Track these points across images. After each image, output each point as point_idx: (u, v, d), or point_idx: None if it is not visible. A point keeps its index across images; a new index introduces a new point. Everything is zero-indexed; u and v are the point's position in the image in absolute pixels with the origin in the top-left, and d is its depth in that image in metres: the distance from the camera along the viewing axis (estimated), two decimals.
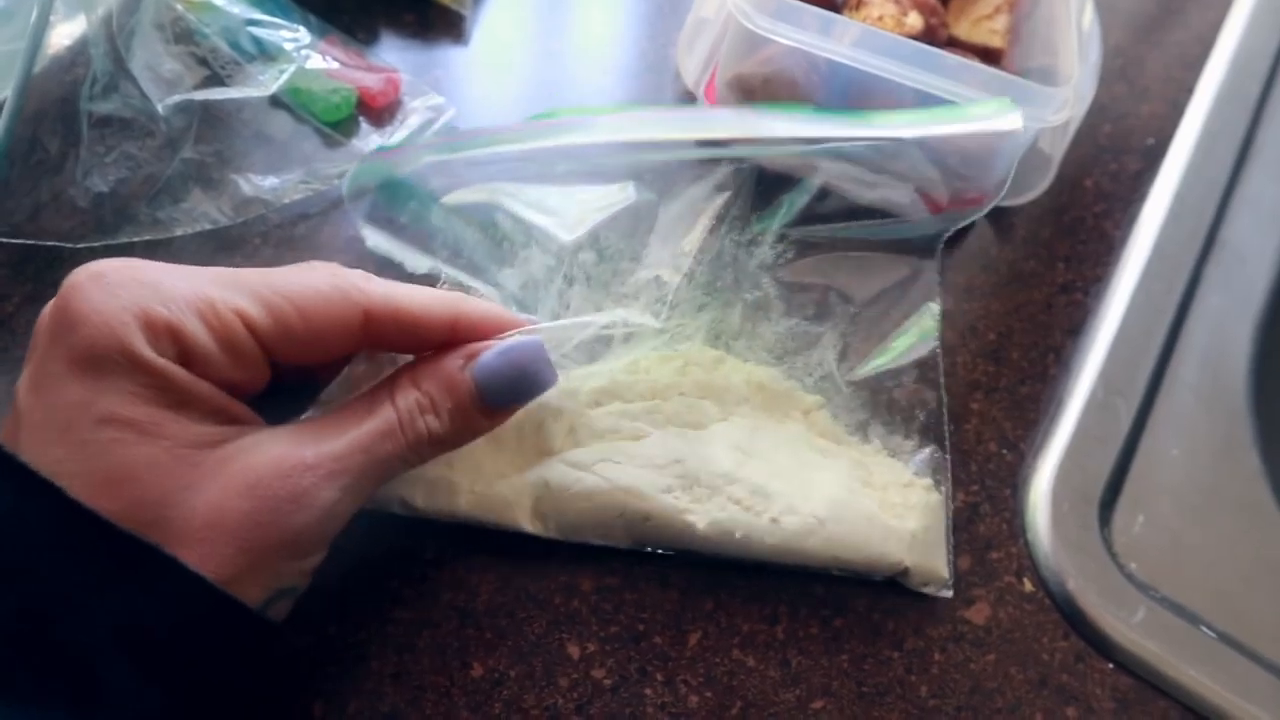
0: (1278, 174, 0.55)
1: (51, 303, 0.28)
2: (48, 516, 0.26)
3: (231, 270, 0.30)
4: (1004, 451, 0.43)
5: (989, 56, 0.50)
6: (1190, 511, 0.42)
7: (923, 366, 0.42)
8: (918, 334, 0.41)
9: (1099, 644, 0.39)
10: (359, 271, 0.32)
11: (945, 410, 0.41)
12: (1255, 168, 0.55)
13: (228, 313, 0.28)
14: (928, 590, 0.38)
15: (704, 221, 0.41)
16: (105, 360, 0.27)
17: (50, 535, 0.26)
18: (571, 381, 0.38)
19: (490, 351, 0.32)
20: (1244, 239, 0.52)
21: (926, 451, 0.40)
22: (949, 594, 0.38)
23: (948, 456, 0.41)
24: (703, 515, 0.37)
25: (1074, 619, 0.39)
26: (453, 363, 0.32)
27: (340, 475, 0.30)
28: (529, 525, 0.37)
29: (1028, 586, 0.40)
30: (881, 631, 0.38)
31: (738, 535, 0.37)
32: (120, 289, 0.27)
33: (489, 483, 0.36)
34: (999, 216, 0.51)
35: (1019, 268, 0.49)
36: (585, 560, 0.38)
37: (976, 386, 0.45)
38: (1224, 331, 0.48)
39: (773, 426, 0.39)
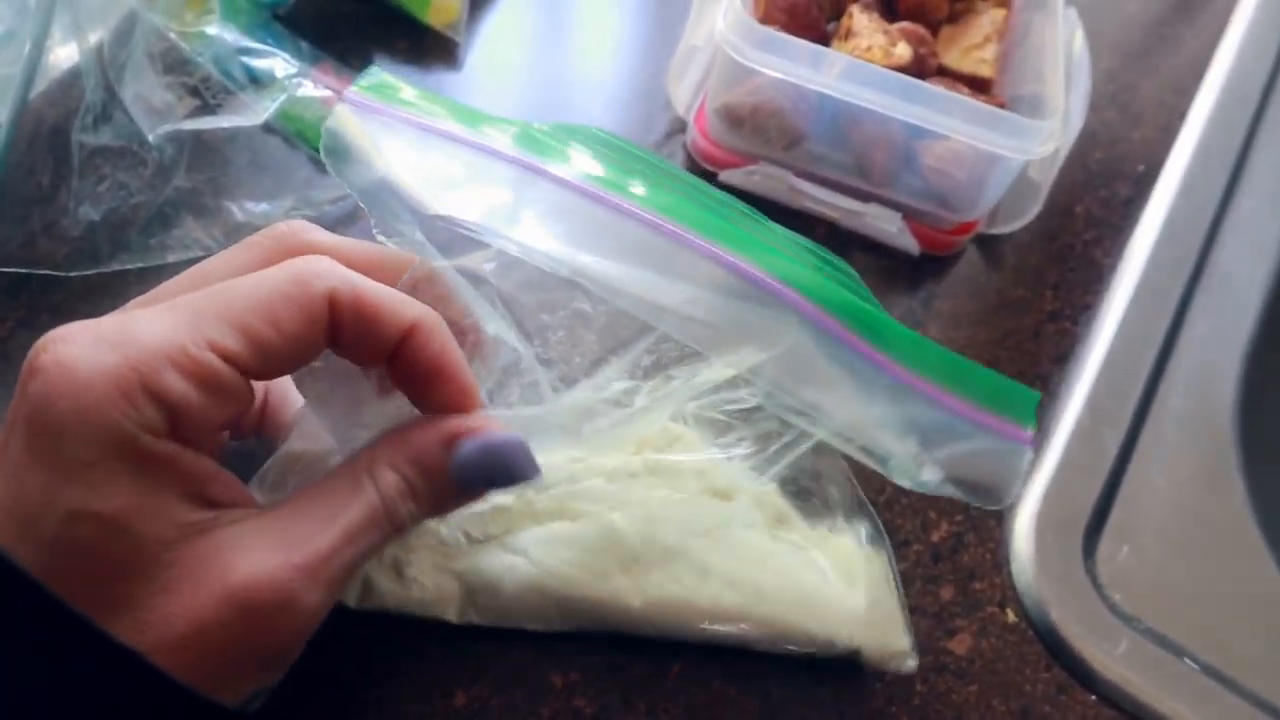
0: (1269, 201, 0.55)
1: (20, 378, 0.26)
2: (23, 616, 0.25)
3: (194, 295, 0.28)
4: None
5: (978, 85, 0.50)
6: (1175, 543, 0.42)
7: (817, 447, 0.38)
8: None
9: (1082, 676, 0.39)
10: (322, 257, 0.29)
11: (854, 480, 0.40)
12: (1246, 195, 0.55)
13: (202, 354, 0.26)
14: (890, 666, 0.37)
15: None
16: (74, 441, 0.25)
17: (28, 636, 0.25)
18: None
19: (473, 443, 0.30)
20: (1234, 267, 0.52)
21: (856, 525, 0.39)
22: (913, 665, 0.37)
23: (879, 524, 0.40)
24: (638, 594, 0.36)
25: (1057, 650, 0.39)
26: (431, 446, 0.30)
27: (326, 574, 0.28)
28: (455, 618, 0.36)
29: (1010, 617, 0.40)
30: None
31: (674, 613, 0.36)
32: (90, 356, 0.25)
33: (419, 572, 0.36)
34: (988, 244, 0.51)
35: (1007, 295, 0.49)
36: None
37: None
38: (1212, 361, 0.48)
39: (717, 507, 0.38)
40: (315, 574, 0.27)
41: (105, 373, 0.25)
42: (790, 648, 0.37)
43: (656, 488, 0.38)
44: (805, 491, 0.40)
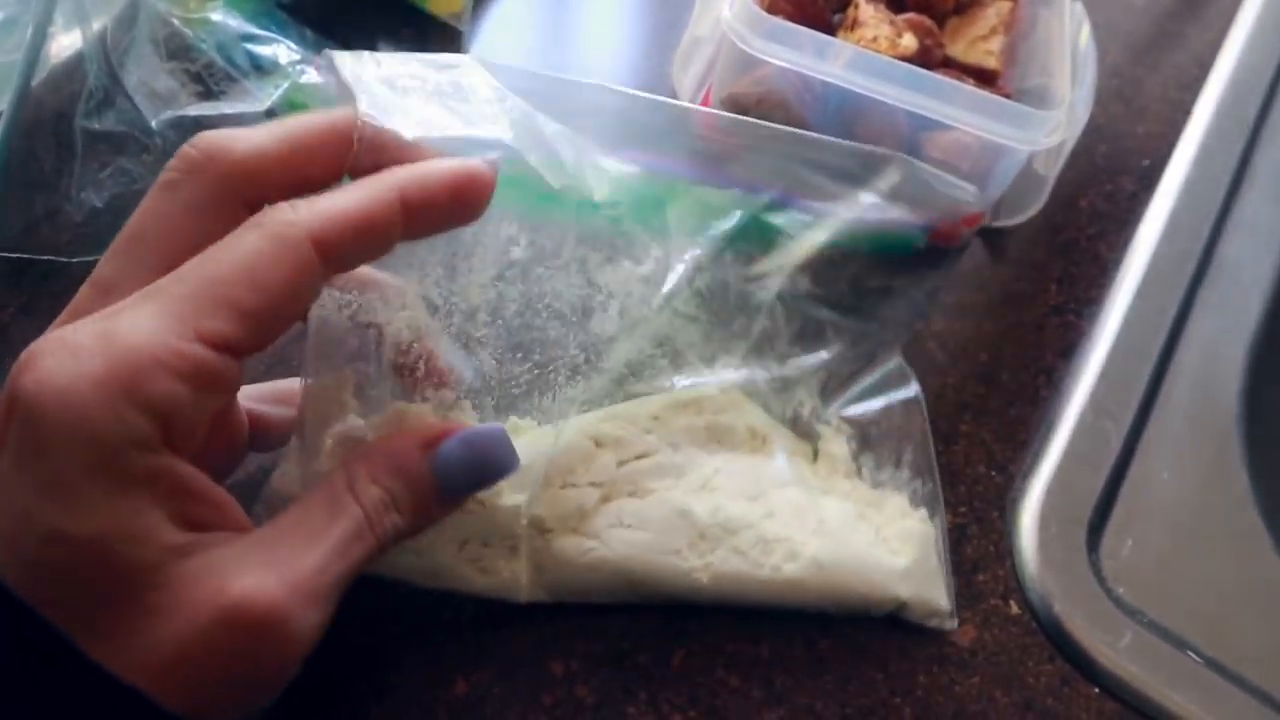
0: (1273, 196, 0.55)
1: (15, 368, 0.24)
2: (11, 638, 0.24)
3: (169, 281, 0.26)
4: (993, 473, 0.43)
5: (984, 77, 0.50)
6: (1179, 536, 0.42)
7: (907, 405, 0.42)
8: (892, 375, 0.42)
9: (1085, 668, 0.39)
10: (281, 205, 0.27)
11: (932, 444, 0.41)
12: (1251, 190, 0.55)
13: (190, 348, 0.25)
14: (932, 624, 0.38)
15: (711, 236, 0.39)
16: (56, 459, 0.24)
17: (16, 658, 0.24)
18: (586, 432, 0.37)
19: (452, 442, 0.30)
20: (1239, 261, 0.52)
21: (918, 484, 0.41)
22: (954, 624, 0.39)
23: (939, 490, 0.41)
24: (706, 570, 0.37)
25: (1060, 642, 0.39)
26: (411, 454, 0.30)
27: (321, 592, 0.27)
28: (524, 599, 0.37)
29: (1014, 609, 0.40)
30: (866, 653, 0.38)
31: (740, 587, 0.37)
32: (69, 369, 0.24)
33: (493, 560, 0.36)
34: (992, 237, 0.51)
35: (1011, 288, 0.49)
36: None
37: (966, 408, 0.45)
38: (1216, 355, 0.48)
39: (772, 468, 0.39)
40: (310, 593, 0.27)
41: (88, 384, 0.24)
42: (838, 610, 0.38)
43: (715, 450, 0.39)
44: (882, 438, 0.41)
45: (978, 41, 0.50)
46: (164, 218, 0.27)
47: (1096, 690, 0.38)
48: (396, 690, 0.35)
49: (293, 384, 0.37)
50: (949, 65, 0.50)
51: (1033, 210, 0.50)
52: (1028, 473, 0.43)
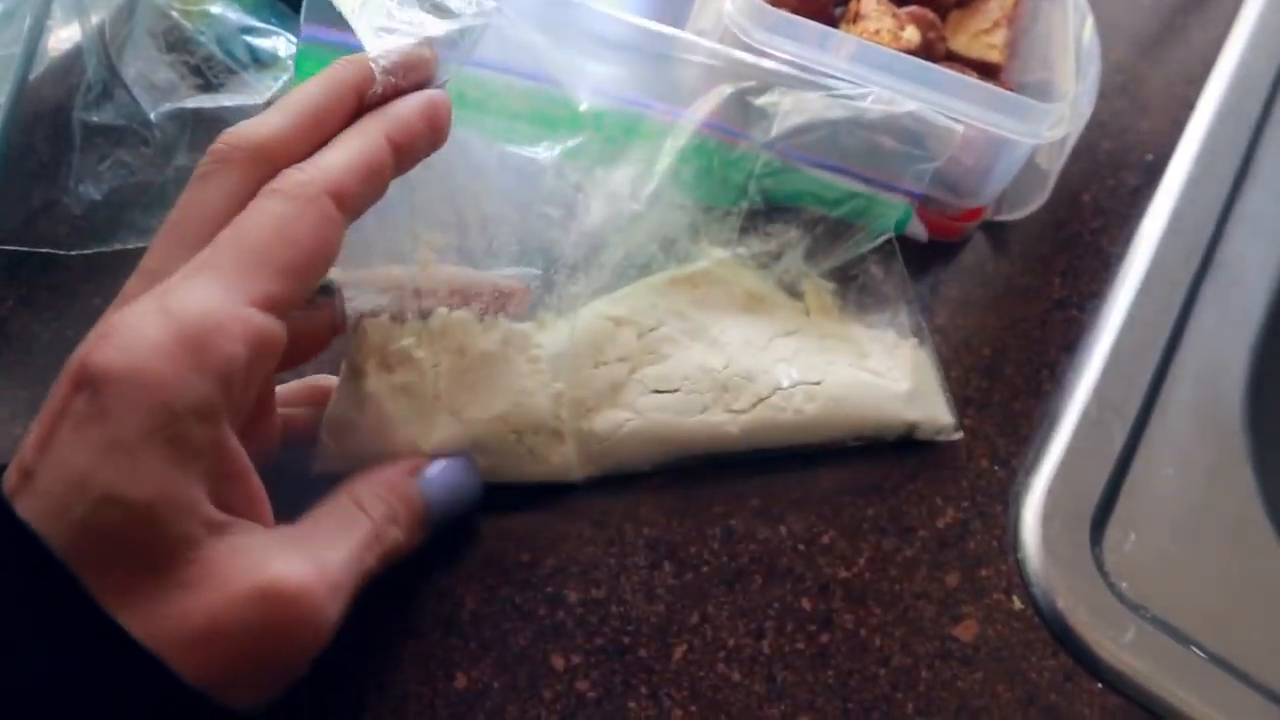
0: (1277, 192, 0.54)
1: (77, 353, 0.26)
2: (45, 599, 0.25)
3: (210, 255, 0.27)
4: (995, 468, 0.43)
5: (987, 71, 0.50)
6: (1183, 531, 0.42)
7: (881, 251, 0.45)
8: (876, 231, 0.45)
9: (1088, 663, 0.38)
10: (289, 169, 0.29)
11: (908, 278, 0.45)
12: (1254, 186, 0.54)
13: (244, 311, 0.27)
14: (940, 438, 0.42)
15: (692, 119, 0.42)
16: (122, 421, 0.25)
17: (48, 620, 0.25)
18: (601, 315, 0.40)
19: (433, 466, 0.35)
20: (1242, 257, 0.51)
21: (902, 315, 0.44)
22: (960, 436, 0.43)
23: (920, 317, 0.45)
24: (734, 421, 0.40)
25: (1063, 638, 0.39)
26: (402, 476, 0.34)
27: (343, 590, 0.29)
28: (578, 478, 0.39)
29: (1017, 604, 0.39)
30: (868, 648, 0.38)
31: (767, 433, 0.40)
32: (144, 338, 0.25)
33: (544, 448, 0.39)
34: (995, 231, 0.51)
35: (1015, 283, 0.49)
36: (570, 572, 0.38)
37: (969, 402, 0.44)
38: (1220, 350, 0.48)
39: (773, 321, 0.43)
40: (337, 585, 0.29)
41: (158, 354, 0.25)
42: (855, 440, 0.42)
43: (710, 311, 0.42)
44: (863, 287, 0.45)
45: (980, 35, 0.50)
46: (201, 204, 0.29)
47: (1100, 685, 0.38)
48: (395, 685, 0.35)
49: (322, 379, 0.39)
50: (951, 58, 0.50)
51: (1035, 205, 0.50)
52: (1031, 468, 0.43)
